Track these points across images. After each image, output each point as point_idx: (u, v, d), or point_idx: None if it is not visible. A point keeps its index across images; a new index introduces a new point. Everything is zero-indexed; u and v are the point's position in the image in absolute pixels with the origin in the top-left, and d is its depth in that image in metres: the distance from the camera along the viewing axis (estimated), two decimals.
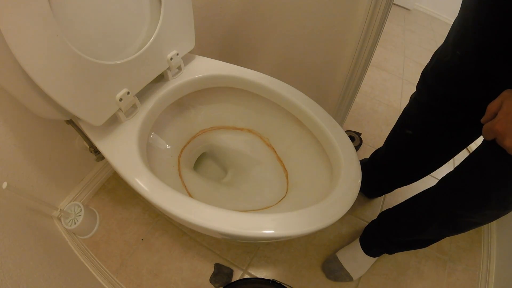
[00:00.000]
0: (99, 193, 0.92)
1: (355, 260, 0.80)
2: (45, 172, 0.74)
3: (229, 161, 0.83)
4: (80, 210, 0.80)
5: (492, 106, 0.38)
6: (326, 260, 0.84)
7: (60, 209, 0.79)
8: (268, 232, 0.43)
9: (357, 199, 0.50)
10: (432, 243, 0.68)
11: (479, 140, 0.50)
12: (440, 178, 0.58)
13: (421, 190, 0.65)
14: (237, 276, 0.81)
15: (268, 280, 0.74)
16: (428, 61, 0.59)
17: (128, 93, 0.54)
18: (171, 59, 0.61)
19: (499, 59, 0.42)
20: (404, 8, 2.26)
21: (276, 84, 0.65)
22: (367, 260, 0.81)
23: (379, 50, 1.73)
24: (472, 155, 0.50)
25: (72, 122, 0.59)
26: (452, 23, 0.53)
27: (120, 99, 0.52)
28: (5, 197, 0.62)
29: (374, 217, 0.81)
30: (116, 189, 0.94)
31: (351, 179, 0.52)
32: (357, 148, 1.16)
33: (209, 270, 0.81)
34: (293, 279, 0.82)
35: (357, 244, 0.82)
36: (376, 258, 0.82)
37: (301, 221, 0.45)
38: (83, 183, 0.88)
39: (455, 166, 0.54)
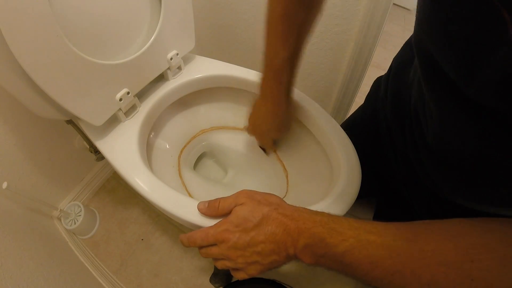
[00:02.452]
0: (99, 193, 0.92)
1: None
2: (45, 172, 0.74)
3: (229, 161, 0.83)
4: (80, 210, 0.80)
5: (224, 203, 0.38)
6: None
7: (60, 209, 0.79)
8: None
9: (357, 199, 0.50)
10: None
11: None
12: None
13: None
14: None
15: (268, 280, 0.74)
16: None
17: (128, 93, 0.54)
18: (171, 59, 0.60)
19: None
20: (404, 8, 2.26)
21: None
22: None
23: (379, 50, 1.72)
24: None
25: (72, 122, 0.59)
26: None
27: (120, 99, 0.52)
28: (5, 197, 0.62)
29: None
30: (116, 189, 0.94)
31: (351, 179, 0.51)
32: None
33: (209, 270, 0.81)
34: (293, 279, 0.82)
35: None
36: None
37: None
38: (83, 183, 0.88)
39: None
